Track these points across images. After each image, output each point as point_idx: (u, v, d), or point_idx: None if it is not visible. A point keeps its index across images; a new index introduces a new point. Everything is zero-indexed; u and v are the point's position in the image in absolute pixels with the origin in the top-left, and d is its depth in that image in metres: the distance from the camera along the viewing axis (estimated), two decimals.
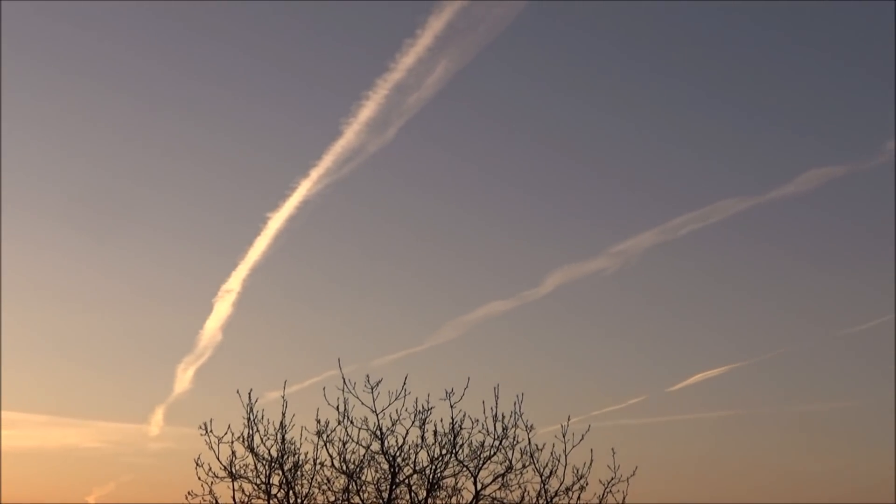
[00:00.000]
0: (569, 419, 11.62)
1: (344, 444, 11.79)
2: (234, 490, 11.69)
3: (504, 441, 11.65)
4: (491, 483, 11.76)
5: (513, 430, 11.67)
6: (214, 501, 11.66)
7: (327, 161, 35.67)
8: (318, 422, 11.77)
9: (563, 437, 11.62)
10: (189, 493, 11.70)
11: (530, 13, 39.93)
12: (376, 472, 11.93)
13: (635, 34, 45.54)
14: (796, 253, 43.69)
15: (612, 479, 11.56)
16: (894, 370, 39.15)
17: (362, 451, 11.81)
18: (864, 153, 41.14)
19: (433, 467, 11.75)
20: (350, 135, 35.20)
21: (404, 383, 11.62)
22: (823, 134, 44.50)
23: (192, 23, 42.46)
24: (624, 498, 11.51)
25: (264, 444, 11.76)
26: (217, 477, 11.78)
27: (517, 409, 11.65)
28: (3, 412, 33.76)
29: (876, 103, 44.28)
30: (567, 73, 44.63)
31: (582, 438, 11.62)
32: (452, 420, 11.59)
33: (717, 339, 42.10)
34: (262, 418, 11.79)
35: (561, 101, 44.70)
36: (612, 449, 11.65)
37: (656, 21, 44.98)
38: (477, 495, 11.66)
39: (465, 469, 11.79)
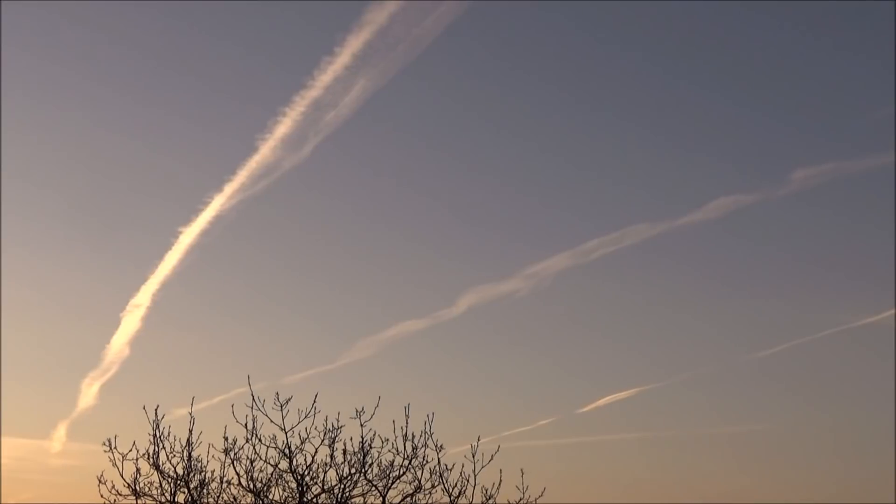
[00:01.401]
0: (479, 439, 11.83)
1: (251, 462, 11.94)
2: None
3: (413, 461, 11.84)
4: (400, 503, 11.95)
5: (422, 449, 11.86)
6: None
7: (241, 176, 36.51)
8: (226, 439, 11.89)
9: (473, 457, 11.83)
10: None
11: (449, 36, 41.97)
12: (284, 490, 12.03)
13: (548, 61, 48.52)
14: (705, 278, 46.84)
15: (521, 499, 11.82)
16: (800, 394, 41.94)
17: (270, 469, 11.94)
18: (772, 182, 43.98)
19: (342, 487, 11.91)
20: (265, 151, 36.11)
21: (314, 401, 11.74)
22: (733, 162, 48.62)
23: (109, 30, 43.12)
24: None
25: (170, 462, 11.88)
26: (120, 495, 11.88)
27: (427, 429, 11.83)
28: None
29: (784, 134, 48.18)
30: (481, 97, 47.00)
31: (491, 459, 11.82)
32: (362, 439, 11.77)
33: (626, 362, 44.76)
34: (169, 435, 11.89)
35: (475, 124, 46.83)
36: (521, 469, 11.87)
37: (566, 50, 48.00)
38: None
39: (373, 489, 11.94)
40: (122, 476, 11.82)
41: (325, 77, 34.84)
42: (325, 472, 11.92)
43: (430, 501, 11.97)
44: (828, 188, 44.65)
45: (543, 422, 39.03)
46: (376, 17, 34.85)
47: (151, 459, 11.80)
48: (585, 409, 40.26)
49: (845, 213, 46.65)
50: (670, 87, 47.71)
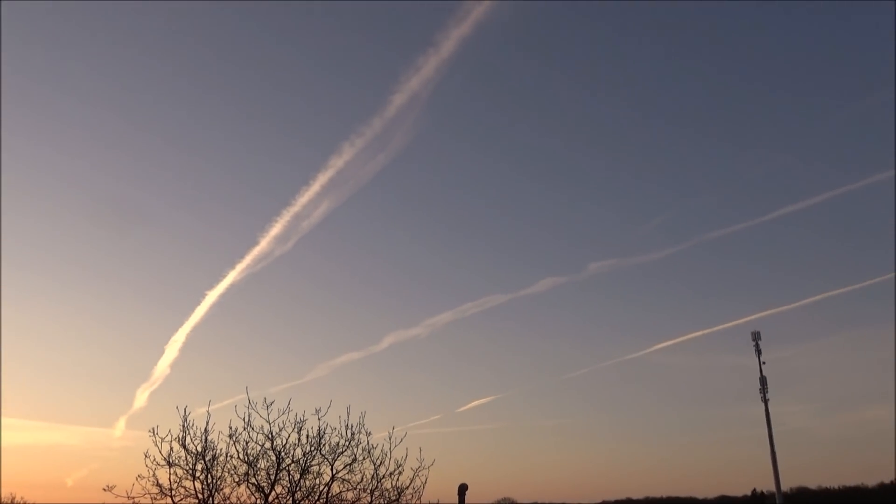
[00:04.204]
0: (393, 428, 16.14)
1: (246, 443, 15.84)
2: (170, 474, 15.58)
3: (352, 442, 16.11)
4: (342, 469, 16.15)
5: (358, 434, 16.15)
6: (156, 481, 15.51)
7: (247, 259, 55.81)
8: (230, 428, 15.81)
9: (390, 440, 16.19)
10: (138, 475, 15.39)
11: (380, 178, 62.31)
12: (267, 461, 15.91)
13: (441, 180, 63.74)
14: (537, 330, 72.77)
15: (419, 466, 16.29)
16: (589, 402, 62.31)
17: (258, 447, 15.88)
18: (575, 270, 64.42)
19: (305, 459, 15.89)
20: (264, 244, 55.77)
21: (288, 404, 15.85)
22: (553, 254, 70.45)
23: (143, 126, 54.25)
24: (426, 479, 16.42)
25: (193, 443, 15.64)
26: (159, 465, 15.48)
27: (361, 422, 16.22)
28: (3, 419, 43.22)
29: (584, 236, 69.54)
30: (398, 212, 64.81)
31: (401, 441, 16.22)
32: (319, 428, 16.00)
33: (488, 379, 69.13)
34: (192, 425, 15.68)
35: (394, 229, 66.98)
36: (420, 448, 16.11)
37: (448, 162, 64.96)
38: (333, 477, 16.12)
39: (325, 460, 16.04)
40: (160, 452, 15.43)
41: (303, 199, 55.66)
42: (294, 449, 15.87)
43: (361, 468, 16.20)
44: (613, 276, 65.78)
45: (434, 417, 56.30)
46: (336, 163, 56.48)
47: (180, 441, 15.48)
48: (462, 409, 64.65)
49: (625, 295, 70.24)
50: (517, 192, 65.92)
